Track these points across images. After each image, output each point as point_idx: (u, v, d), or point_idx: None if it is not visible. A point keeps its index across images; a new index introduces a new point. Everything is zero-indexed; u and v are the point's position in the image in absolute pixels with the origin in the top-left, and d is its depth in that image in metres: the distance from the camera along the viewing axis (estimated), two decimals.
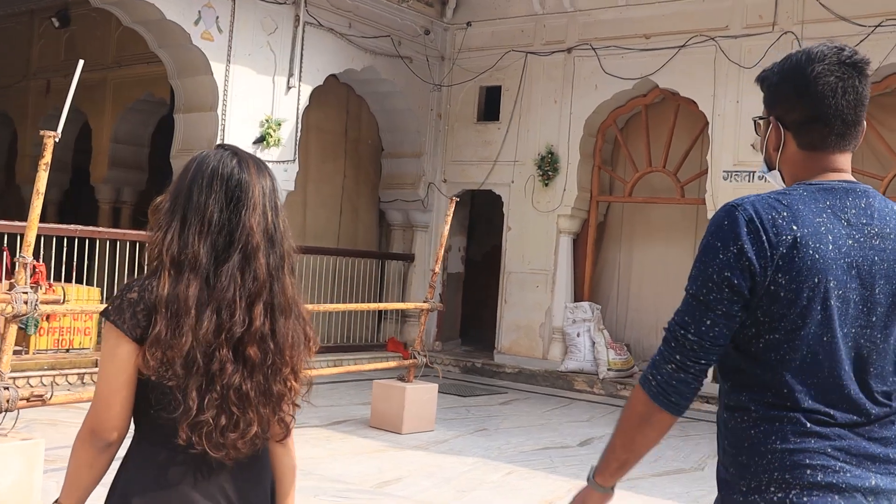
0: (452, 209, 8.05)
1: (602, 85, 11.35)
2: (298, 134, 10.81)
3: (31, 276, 4.78)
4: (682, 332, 1.80)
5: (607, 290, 12.18)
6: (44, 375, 7.74)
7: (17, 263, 4.67)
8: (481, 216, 13.66)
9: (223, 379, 1.79)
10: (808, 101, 1.86)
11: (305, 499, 5.06)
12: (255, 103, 10.23)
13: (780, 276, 1.74)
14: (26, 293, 4.53)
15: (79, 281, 8.94)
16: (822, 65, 1.84)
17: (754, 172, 10.12)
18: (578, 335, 11.28)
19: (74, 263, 8.84)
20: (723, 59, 10.43)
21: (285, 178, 10.65)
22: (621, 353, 11.11)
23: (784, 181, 1.96)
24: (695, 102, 10.67)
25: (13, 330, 4.66)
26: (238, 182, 1.85)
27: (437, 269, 8.18)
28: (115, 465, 1.92)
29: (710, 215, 10.39)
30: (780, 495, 1.73)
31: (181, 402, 1.78)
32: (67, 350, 8.36)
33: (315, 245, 11.41)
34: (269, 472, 2.00)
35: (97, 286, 8.89)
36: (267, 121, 10.30)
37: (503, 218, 12.20)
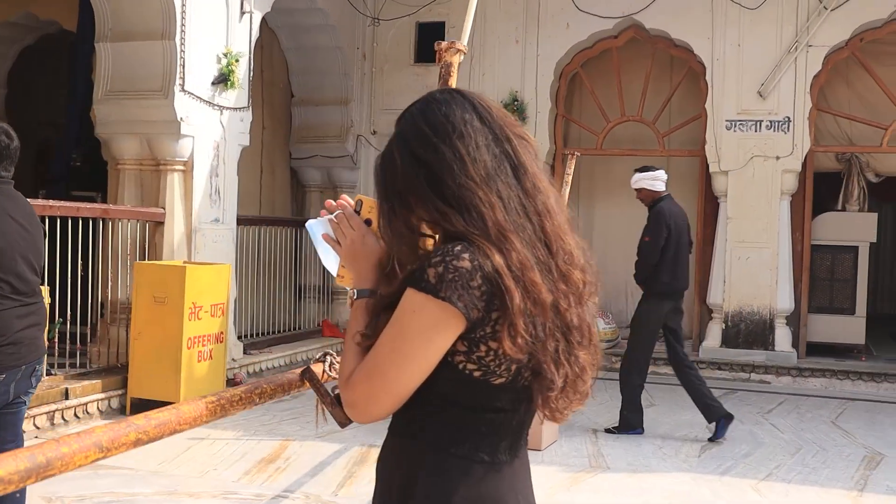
0: (573, 166, 6.50)
1: (575, 24, 10.13)
2: (251, 74, 8.50)
3: None
4: None
5: None
6: None
7: None
8: None
9: (572, 344, 1.52)
10: None
11: None
12: (211, 32, 7.82)
13: None
14: None
15: None
16: None
17: (761, 121, 9.52)
18: None
19: None
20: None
21: (241, 129, 8.38)
22: (610, 321, 10.15)
23: None
24: (687, 46, 9.82)
25: None
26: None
27: None
28: None
29: (712, 168, 9.69)
30: None
31: (545, 376, 1.50)
32: None
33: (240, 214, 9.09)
34: None
35: None
36: (226, 55, 7.93)
37: None
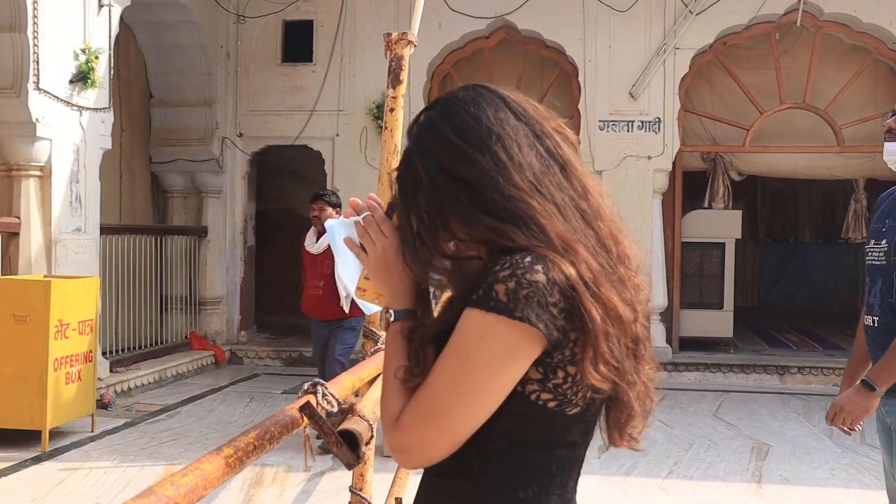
0: None
1: (448, 24, 10.03)
2: (111, 72, 7.93)
3: None
4: None
5: None
6: None
7: None
8: (274, 176, 11.52)
9: (639, 359, 1.33)
10: None
11: None
12: (67, 26, 7.23)
13: None
14: None
15: None
16: None
17: (633, 122, 9.70)
18: None
19: None
20: (592, 1, 9.78)
21: (103, 131, 7.80)
22: None
23: None
24: (559, 48, 9.88)
25: None
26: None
27: None
28: None
29: (590, 167, 9.74)
30: None
31: (623, 401, 1.33)
32: None
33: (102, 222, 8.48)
34: None
35: None
36: (84, 51, 7.35)
37: (325, 177, 10.32)
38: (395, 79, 2.30)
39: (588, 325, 1.21)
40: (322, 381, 1.60)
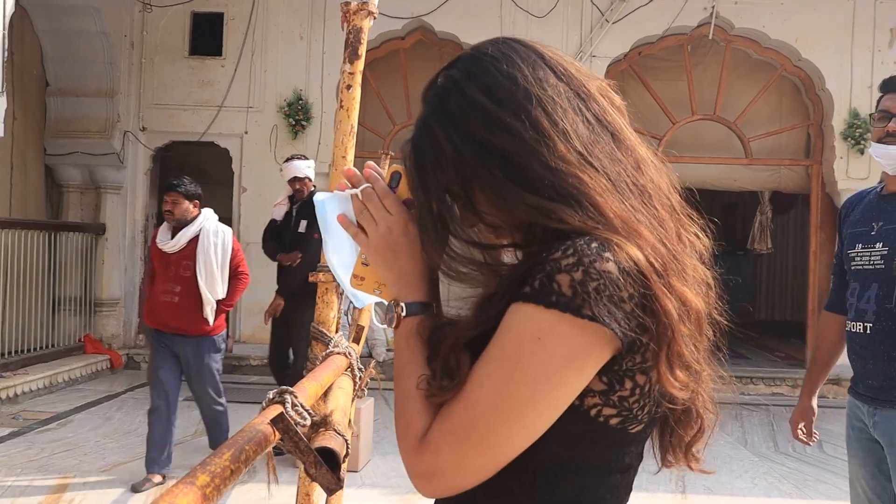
0: (386, 168, 6.12)
1: None
2: (6, 55, 7.41)
3: None
4: None
5: None
6: None
7: None
8: (178, 173, 10.99)
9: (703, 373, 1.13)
10: None
11: None
12: None
13: None
14: None
15: None
16: None
17: None
18: (346, 313, 9.73)
19: None
20: (509, 6, 9.71)
21: None
22: None
23: None
24: None
25: None
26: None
27: None
28: None
29: None
30: None
31: (694, 414, 1.15)
32: None
33: None
34: None
35: None
36: None
37: (231, 176, 9.94)
38: (352, 53, 2.08)
39: (664, 321, 1.01)
40: (289, 388, 1.37)
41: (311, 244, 6.37)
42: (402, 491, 5.35)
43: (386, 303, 1.20)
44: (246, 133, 9.86)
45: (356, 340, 2.37)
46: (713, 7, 9.57)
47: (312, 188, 6.70)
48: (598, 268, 0.99)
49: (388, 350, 9.63)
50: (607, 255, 1.00)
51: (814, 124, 10.02)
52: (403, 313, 1.14)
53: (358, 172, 1.20)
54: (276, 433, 1.22)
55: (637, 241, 1.03)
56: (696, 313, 1.06)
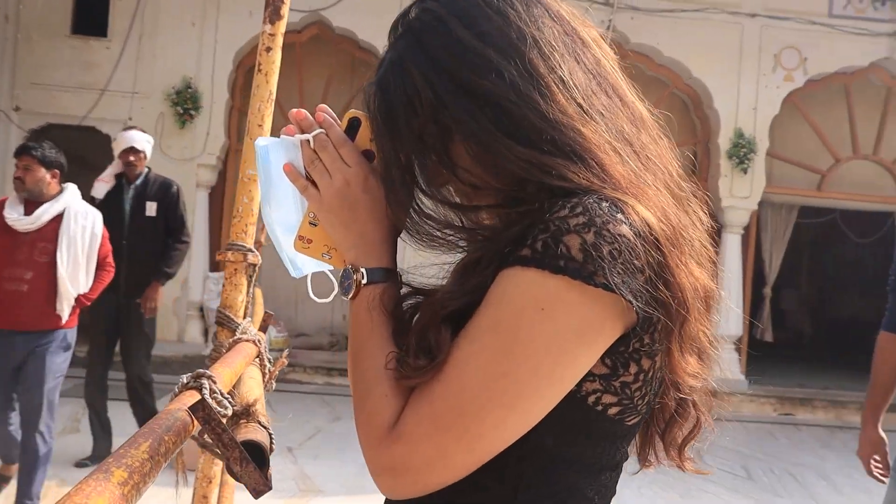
0: None
1: (259, 13, 9.42)
2: None
3: None
4: None
5: None
6: None
7: None
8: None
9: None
10: None
11: None
12: None
13: None
14: None
15: None
16: None
17: None
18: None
19: None
20: (408, 5, 9.58)
21: None
22: (282, 329, 9.61)
23: None
24: (373, 49, 9.62)
25: None
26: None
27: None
28: None
29: None
30: None
31: (691, 415, 1.03)
32: None
33: None
34: None
35: None
36: None
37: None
38: (273, 12, 1.90)
39: (679, 296, 0.88)
40: (206, 372, 1.18)
41: (158, 232, 5.62)
42: (286, 495, 5.15)
43: (333, 270, 1.04)
44: (130, 119, 9.37)
45: (263, 329, 2.18)
46: (610, 20, 9.69)
47: (146, 169, 5.80)
48: (613, 230, 0.85)
49: (269, 349, 9.34)
50: (620, 216, 0.87)
51: (700, 142, 10.28)
52: (364, 281, 0.98)
53: (309, 116, 1.04)
54: (195, 422, 1.04)
55: (647, 203, 0.91)
56: (706, 292, 0.95)
